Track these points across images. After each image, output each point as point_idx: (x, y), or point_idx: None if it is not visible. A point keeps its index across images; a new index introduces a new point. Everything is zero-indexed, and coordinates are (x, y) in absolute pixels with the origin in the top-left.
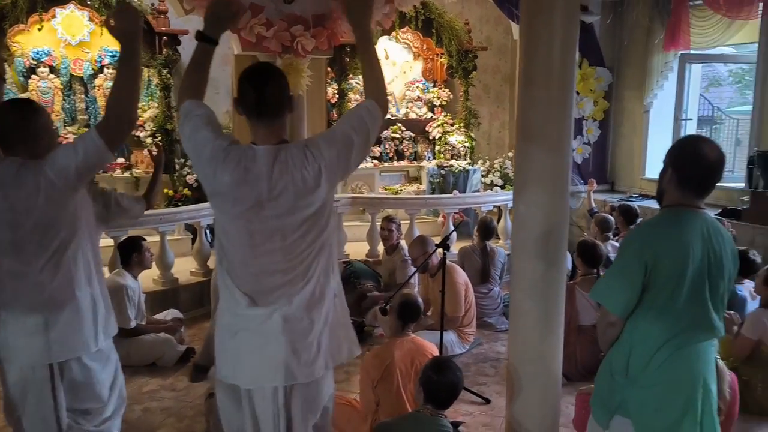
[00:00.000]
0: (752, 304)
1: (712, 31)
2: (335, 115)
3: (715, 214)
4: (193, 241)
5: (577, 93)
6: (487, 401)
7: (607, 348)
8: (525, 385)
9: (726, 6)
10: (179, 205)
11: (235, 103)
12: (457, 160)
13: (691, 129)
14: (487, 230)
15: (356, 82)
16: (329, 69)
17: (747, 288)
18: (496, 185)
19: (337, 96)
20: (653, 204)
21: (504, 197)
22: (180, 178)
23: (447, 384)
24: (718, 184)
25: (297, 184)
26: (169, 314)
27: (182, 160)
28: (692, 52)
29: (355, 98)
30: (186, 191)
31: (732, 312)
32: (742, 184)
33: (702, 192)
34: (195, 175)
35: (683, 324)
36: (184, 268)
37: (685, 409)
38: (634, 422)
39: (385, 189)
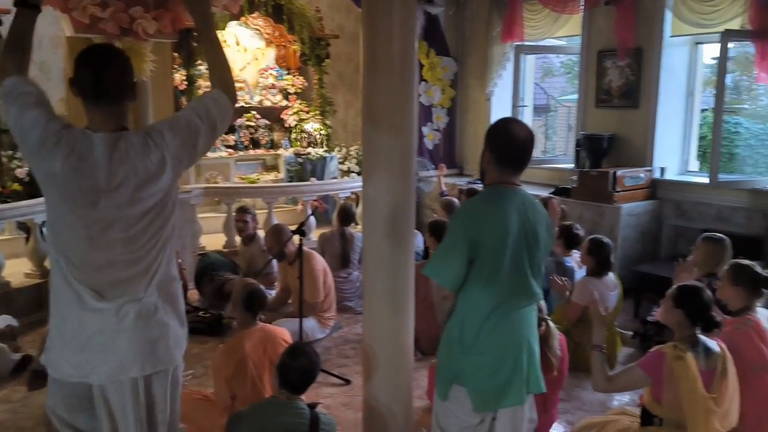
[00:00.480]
0: (580, 273)
1: (541, 24)
2: (184, 102)
3: (549, 193)
4: (27, 240)
5: (427, 81)
6: (348, 382)
7: (445, 320)
8: (379, 362)
9: (553, 1)
10: (8, 202)
11: (70, 84)
12: (314, 147)
13: (528, 116)
14: (346, 216)
15: (206, 69)
16: (176, 54)
17: (574, 259)
18: (353, 172)
19: (186, 83)
20: None
21: (361, 183)
22: (8, 172)
23: (300, 368)
24: (551, 165)
25: (138, 174)
26: (2, 321)
27: (10, 152)
28: (526, 43)
29: (205, 85)
30: (16, 186)
31: (565, 278)
32: (572, 165)
33: (517, 169)
34: (25, 168)
35: (507, 292)
36: (18, 270)
37: (513, 371)
38: (469, 389)
39: (242, 178)
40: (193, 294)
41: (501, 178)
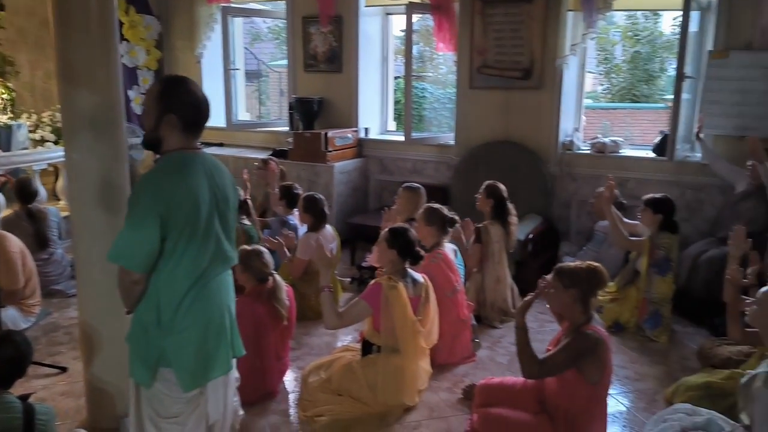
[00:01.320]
0: (303, 230)
1: None
2: None
3: (268, 155)
4: None
5: (128, 41)
6: (64, 369)
7: (135, 305)
8: (102, 340)
9: None
10: None
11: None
12: None
13: (240, 80)
14: (23, 192)
15: None
16: None
17: (296, 217)
18: (47, 141)
19: None
20: (218, 150)
21: (59, 154)
22: None
23: (6, 358)
24: (267, 129)
25: None
26: None
27: None
28: (233, 5)
29: None
30: None
31: (290, 233)
32: (287, 128)
33: (199, 133)
34: None
35: (206, 262)
36: None
37: (218, 340)
38: (176, 369)
39: None
40: None
41: (184, 144)
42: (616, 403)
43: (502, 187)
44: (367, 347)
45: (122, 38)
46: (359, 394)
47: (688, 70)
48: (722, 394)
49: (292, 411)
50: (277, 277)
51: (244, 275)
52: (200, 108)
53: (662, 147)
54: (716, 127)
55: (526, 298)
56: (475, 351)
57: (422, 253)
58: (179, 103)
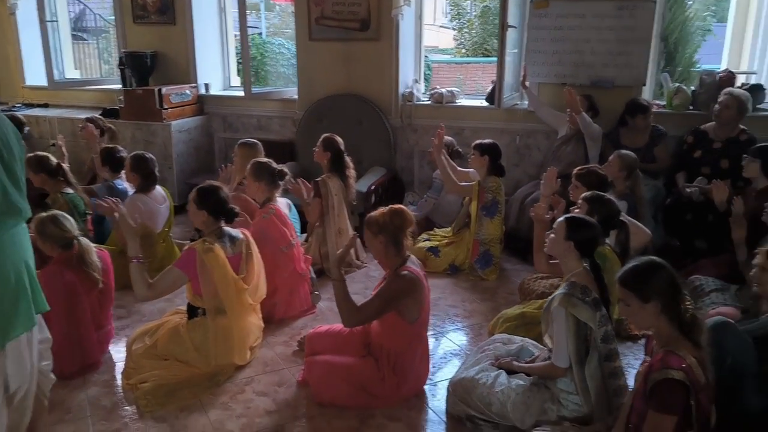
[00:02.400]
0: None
1: None
2: None
3: (96, 115)
4: None
5: None
6: None
7: None
8: None
9: None
10: None
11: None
12: None
13: (65, 34)
14: None
15: None
16: None
17: (124, 180)
18: None
19: None
20: (41, 112)
21: None
22: None
23: None
24: (97, 86)
25: None
26: None
27: None
28: None
29: None
30: None
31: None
32: (119, 86)
33: None
34: None
35: None
36: None
37: (18, 296)
38: None
39: None
40: None
41: None
42: (448, 341)
43: (339, 139)
44: (192, 311)
45: None
46: (186, 357)
47: (512, 20)
48: (535, 322)
49: (117, 382)
50: (84, 241)
51: (46, 245)
52: None
53: (493, 96)
54: (539, 75)
55: (339, 251)
56: (314, 303)
57: (236, 209)
58: None
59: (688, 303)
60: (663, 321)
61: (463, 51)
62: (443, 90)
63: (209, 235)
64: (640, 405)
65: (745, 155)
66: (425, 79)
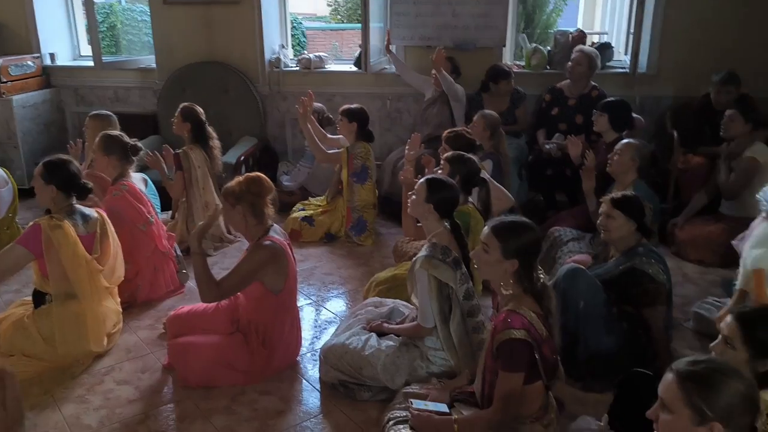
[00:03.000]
0: None
1: None
2: None
3: None
4: None
5: None
6: None
7: None
8: None
9: None
10: None
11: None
12: None
13: None
14: None
15: None
16: None
17: None
18: None
19: None
20: None
21: None
22: None
23: None
24: None
25: None
26: None
27: None
28: None
29: None
30: None
31: None
32: None
33: None
34: None
35: None
36: None
37: None
38: None
39: None
40: None
41: None
42: (325, 310)
43: (198, 109)
44: (38, 298)
45: None
46: (33, 350)
47: None
48: (406, 283)
49: None
50: None
51: None
52: None
53: (361, 61)
54: (404, 38)
55: (201, 223)
56: (183, 282)
57: (89, 185)
58: None
59: (541, 273)
60: (514, 280)
61: (339, 17)
62: (311, 55)
63: (58, 212)
64: (491, 362)
65: (595, 110)
66: (301, 46)
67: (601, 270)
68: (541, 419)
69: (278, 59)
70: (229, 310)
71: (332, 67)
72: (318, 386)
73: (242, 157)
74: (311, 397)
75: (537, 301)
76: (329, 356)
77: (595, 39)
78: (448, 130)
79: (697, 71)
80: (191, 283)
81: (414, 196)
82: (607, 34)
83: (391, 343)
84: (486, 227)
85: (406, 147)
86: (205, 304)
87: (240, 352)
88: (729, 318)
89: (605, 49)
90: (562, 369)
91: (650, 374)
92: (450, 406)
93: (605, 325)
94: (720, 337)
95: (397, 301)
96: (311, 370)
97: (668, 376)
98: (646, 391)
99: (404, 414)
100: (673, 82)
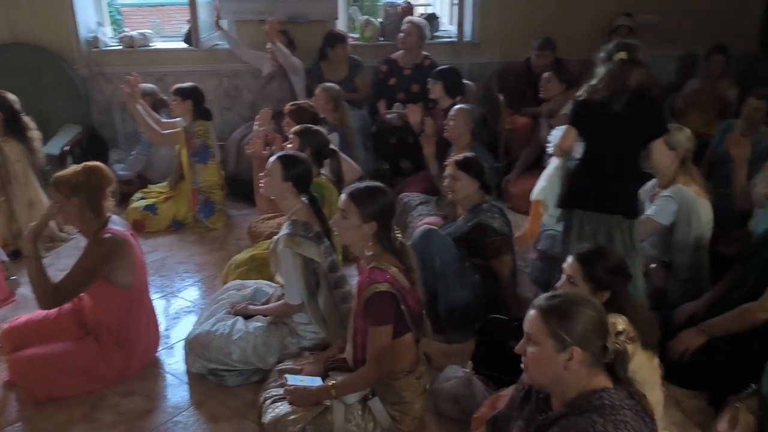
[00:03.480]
0: None
1: None
2: None
3: None
4: None
5: None
6: None
7: None
8: None
9: None
10: None
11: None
12: None
13: None
14: None
15: None
16: None
17: None
18: None
19: None
20: None
21: None
22: None
23: None
24: None
25: None
26: None
27: None
28: None
29: None
30: None
31: None
32: None
33: None
34: None
35: None
36: None
37: None
38: None
39: None
40: None
41: None
42: (180, 300)
43: (10, 96)
44: None
45: None
46: None
47: None
48: (266, 263)
49: None
50: None
51: None
52: None
53: (190, 37)
54: (235, 12)
55: (33, 224)
56: (13, 290)
57: None
58: None
59: (398, 233)
60: (374, 242)
61: None
62: (134, 33)
63: None
64: (361, 324)
65: (429, 78)
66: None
67: (452, 228)
68: (413, 372)
69: (96, 38)
70: (74, 313)
71: (159, 44)
72: (185, 378)
73: (67, 147)
74: (179, 391)
75: (398, 258)
76: (195, 346)
77: (421, 10)
78: (291, 103)
79: (518, 38)
80: (24, 290)
81: (268, 177)
82: (431, 6)
83: (259, 324)
84: (343, 194)
85: (255, 123)
86: (44, 311)
87: (94, 357)
88: (570, 258)
89: (432, 19)
90: (428, 323)
91: (505, 318)
92: (325, 376)
93: (460, 280)
94: (564, 276)
95: (260, 281)
96: (174, 363)
97: (531, 312)
98: (503, 334)
99: (280, 392)
100: (497, 49)
